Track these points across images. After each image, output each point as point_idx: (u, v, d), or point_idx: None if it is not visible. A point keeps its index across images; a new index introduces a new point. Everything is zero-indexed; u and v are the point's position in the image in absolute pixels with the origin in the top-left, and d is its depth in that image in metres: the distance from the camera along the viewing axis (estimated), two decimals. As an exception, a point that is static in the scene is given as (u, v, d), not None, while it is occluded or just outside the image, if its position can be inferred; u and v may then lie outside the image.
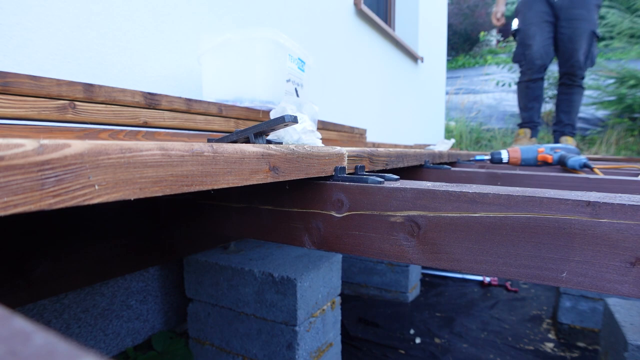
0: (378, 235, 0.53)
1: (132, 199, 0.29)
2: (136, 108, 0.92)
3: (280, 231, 0.64)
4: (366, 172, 0.68)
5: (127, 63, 1.25)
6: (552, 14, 2.61)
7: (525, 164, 1.41)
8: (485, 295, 2.09)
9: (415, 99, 4.38)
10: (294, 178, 0.50)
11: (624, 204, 0.39)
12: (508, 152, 1.42)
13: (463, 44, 13.90)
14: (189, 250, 1.15)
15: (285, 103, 0.94)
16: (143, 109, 0.94)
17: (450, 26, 11.23)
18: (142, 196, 0.29)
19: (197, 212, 0.78)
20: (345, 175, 0.60)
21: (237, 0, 1.71)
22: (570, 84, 2.65)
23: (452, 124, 8.48)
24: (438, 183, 0.55)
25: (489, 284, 2.23)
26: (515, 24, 2.89)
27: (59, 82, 0.77)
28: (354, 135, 2.12)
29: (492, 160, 1.43)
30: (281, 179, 0.47)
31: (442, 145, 2.39)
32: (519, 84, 2.87)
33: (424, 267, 2.32)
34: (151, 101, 0.95)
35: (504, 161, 1.42)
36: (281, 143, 0.70)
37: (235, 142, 0.61)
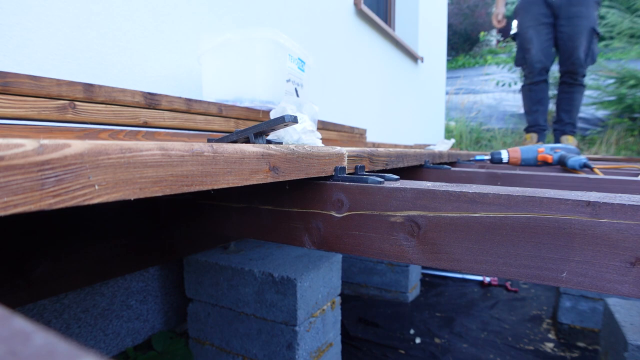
0: (378, 235, 0.53)
1: (132, 199, 0.29)
2: (136, 108, 0.92)
3: (280, 231, 0.64)
4: (366, 172, 0.68)
5: (127, 63, 1.25)
6: (550, 15, 2.60)
7: (525, 164, 1.41)
8: (485, 295, 2.09)
9: (415, 99, 4.38)
10: (294, 178, 0.50)
11: (624, 204, 0.39)
12: (508, 152, 1.42)
13: (463, 44, 13.90)
14: (189, 250, 1.15)
15: (285, 103, 0.94)
16: (143, 109, 0.94)
17: (450, 26, 11.23)
18: (142, 196, 0.29)
19: (197, 212, 0.78)
20: (345, 175, 0.60)
21: (237, 0, 1.71)
22: (571, 82, 2.63)
23: (452, 124, 8.48)
24: (438, 183, 0.55)
25: (489, 284, 2.23)
26: (514, 27, 2.88)
27: (59, 82, 0.77)
28: (354, 135, 2.12)
29: (492, 160, 1.43)
30: (281, 179, 0.47)
31: (442, 145, 2.39)
32: (522, 87, 2.87)
33: (424, 267, 2.32)
34: (151, 101, 0.95)
35: (504, 161, 1.42)
36: (281, 143, 0.70)
37: (235, 142, 0.61)
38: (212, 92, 1.28)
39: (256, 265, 1.08)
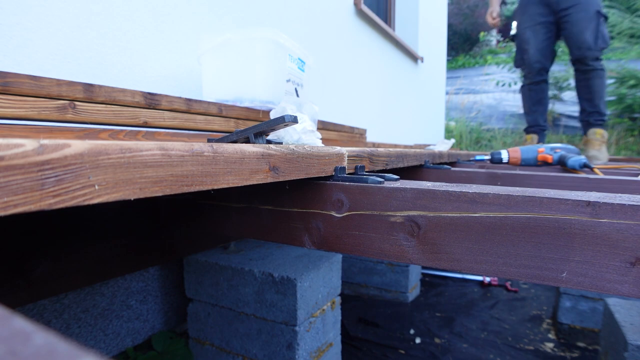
0: (378, 235, 0.53)
1: (132, 199, 0.29)
2: (136, 108, 0.92)
3: (280, 231, 0.64)
4: (366, 172, 0.68)
5: (127, 63, 1.25)
6: (548, 13, 2.55)
7: (525, 164, 1.41)
8: (485, 295, 2.09)
9: (415, 99, 4.38)
10: (294, 178, 0.50)
11: (624, 204, 0.39)
12: (508, 152, 1.42)
13: (463, 44, 13.90)
14: (189, 250, 1.15)
15: (285, 103, 0.94)
16: (143, 109, 0.94)
17: (450, 26, 11.24)
18: (142, 196, 0.29)
19: (197, 212, 0.78)
20: (345, 175, 0.60)
21: (237, 0, 1.71)
22: (584, 69, 2.49)
23: (452, 124, 8.48)
24: (438, 183, 0.55)
25: (489, 284, 2.23)
26: (513, 28, 2.86)
27: (59, 82, 0.77)
28: (354, 135, 2.12)
29: (492, 160, 1.43)
30: (281, 179, 0.47)
31: (442, 145, 2.39)
32: (522, 87, 2.82)
33: (424, 267, 2.32)
34: (151, 101, 0.95)
35: (504, 161, 1.42)
36: (281, 143, 0.70)
37: (235, 142, 0.61)
38: (212, 92, 1.28)
39: (256, 265, 1.08)
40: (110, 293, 1.03)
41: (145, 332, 1.14)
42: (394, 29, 4.15)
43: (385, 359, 1.47)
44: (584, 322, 1.64)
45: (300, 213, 0.61)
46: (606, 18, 2.43)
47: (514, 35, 2.82)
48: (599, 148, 2.43)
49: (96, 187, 0.26)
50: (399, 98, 3.89)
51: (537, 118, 2.74)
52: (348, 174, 0.62)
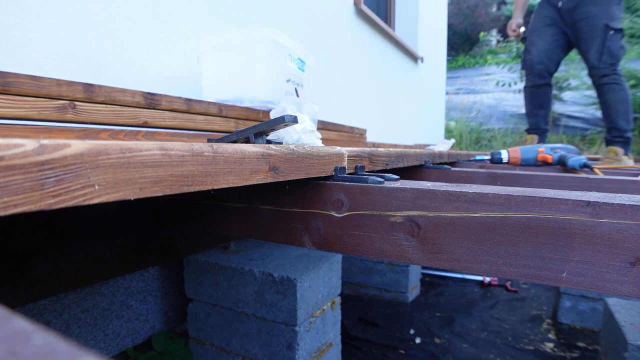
0: (378, 235, 0.53)
1: (132, 199, 0.29)
2: (136, 108, 0.92)
3: (280, 231, 0.64)
4: (366, 172, 0.68)
5: (127, 63, 1.25)
6: (559, 19, 2.51)
7: (525, 164, 1.41)
8: (485, 295, 2.09)
9: (415, 99, 4.38)
10: (294, 178, 0.50)
11: (624, 204, 0.39)
12: (508, 152, 1.42)
13: (463, 44, 13.90)
14: (189, 250, 1.15)
15: (285, 103, 0.94)
16: (143, 109, 0.94)
17: (450, 26, 11.24)
18: (142, 196, 0.29)
19: (197, 212, 0.78)
20: (345, 175, 0.60)
21: (237, 0, 1.71)
22: (598, 84, 2.44)
23: (452, 124, 8.48)
24: (438, 183, 0.55)
25: (489, 284, 2.23)
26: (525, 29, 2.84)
27: (59, 82, 0.77)
28: (354, 135, 2.12)
29: (492, 160, 1.43)
30: (281, 179, 0.47)
31: (442, 145, 2.39)
32: (524, 88, 2.77)
33: (424, 267, 2.32)
34: (151, 101, 0.95)
35: (504, 161, 1.42)
36: (281, 143, 0.70)
37: (235, 142, 0.61)
38: (212, 92, 1.28)
39: (256, 265, 1.08)
40: (110, 293, 1.03)
41: (145, 332, 1.14)
42: (394, 29, 4.15)
43: (385, 359, 1.47)
44: (584, 322, 1.64)
45: (300, 213, 0.61)
46: (618, 30, 2.32)
47: (523, 37, 2.79)
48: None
49: (96, 187, 0.26)
50: (399, 98, 3.89)
51: (538, 121, 2.71)
52: (348, 174, 0.62)
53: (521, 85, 9.77)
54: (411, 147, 2.84)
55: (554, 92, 9.04)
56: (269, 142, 0.63)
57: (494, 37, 14.54)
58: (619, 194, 0.45)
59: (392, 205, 0.52)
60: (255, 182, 0.43)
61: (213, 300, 1.12)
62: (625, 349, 1.02)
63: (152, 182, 0.30)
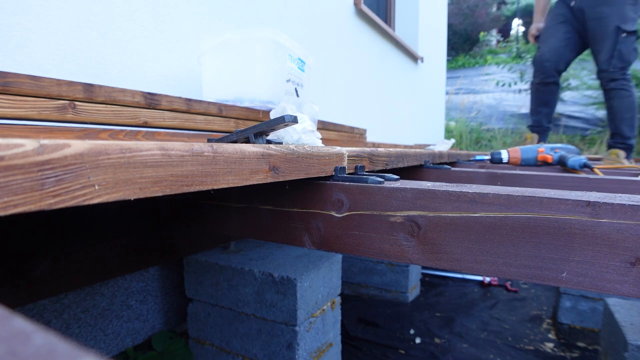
0: (378, 235, 0.53)
1: (132, 199, 0.29)
2: (136, 108, 0.92)
3: (280, 231, 0.64)
4: (366, 172, 0.68)
5: (127, 63, 1.25)
6: (572, 18, 2.46)
7: (525, 164, 1.41)
8: (485, 295, 2.09)
9: (415, 99, 4.38)
10: (294, 178, 0.50)
11: (624, 204, 0.39)
12: (508, 152, 1.42)
13: (463, 44, 13.91)
14: (189, 250, 1.15)
15: (285, 103, 0.94)
16: (143, 109, 0.94)
17: (450, 26, 11.24)
18: (142, 196, 0.29)
19: (197, 212, 0.78)
20: (345, 175, 0.60)
21: (237, 0, 1.71)
22: (606, 89, 2.39)
23: (452, 124, 8.49)
24: (438, 183, 0.55)
25: (489, 284, 2.23)
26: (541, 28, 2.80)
27: (59, 82, 0.77)
28: (354, 135, 2.12)
29: (492, 160, 1.43)
30: (281, 179, 0.47)
31: (442, 145, 2.39)
32: (531, 84, 2.73)
33: (424, 267, 2.32)
34: (151, 101, 0.95)
35: (504, 161, 1.42)
36: (281, 143, 0.70)
37: (235, 142, 0.61)
38: (212, 92, 1.28)
39: (256, 265, 1.08)
40: (110, 293, 1.03)
41: (145, 332, 1.14)
42: (394, 29, 4.15)
43: (385, 359, 1.47)
44: (584, 322, 1.64)
45: (300, 213, 0.61)
46: (631, 33, 2.24)
47: (537, 36, 2.76)
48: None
49: (96, 187, 0.26)
50: (399, 98, 3.89)
51: (540, 119, 2.66)
52: (348, 174, 0.62)
53: (521, 85, 9.78)
54: (411, 147, 2.84)
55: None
56: (269, 142, 0.63)
57: (494, 37, 14.55)
58: (619, 194, 0.45)
59: (392, 205, 0.52)
60: (255, 182, 0.43)
61: (213, 300, 1.12)
62: (625, 349, 1.02)
63: (152, 182, 0.30)
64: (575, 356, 1.52)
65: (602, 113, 7.09)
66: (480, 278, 2.27)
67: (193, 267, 1.15)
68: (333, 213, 0.57)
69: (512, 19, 14.71)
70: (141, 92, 0.93)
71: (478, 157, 1.49)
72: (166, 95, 0.99)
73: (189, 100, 1.06)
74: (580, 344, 1.61)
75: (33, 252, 0.75)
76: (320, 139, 0.91)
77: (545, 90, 2.62)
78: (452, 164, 1.47)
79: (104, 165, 0.26)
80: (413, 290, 2.02)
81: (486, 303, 1.97)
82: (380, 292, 2.01)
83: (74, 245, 0.82)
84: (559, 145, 1.41)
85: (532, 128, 2.73)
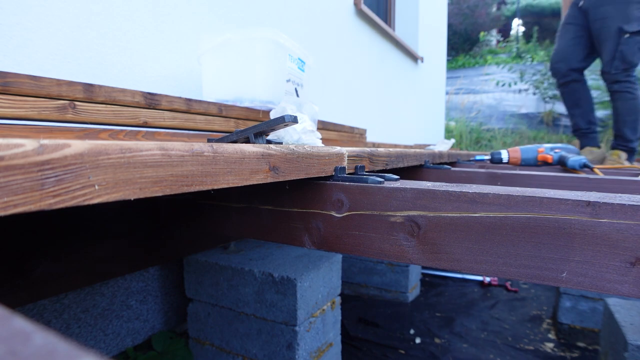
0: (378, 235, 0.53)
1: (132, 199, 0.29)
2: (136, 108, 0.92)
3: (280, 231, 0.64)
4: (366, 172, 0.68)
5: (127, 63, 1.25)
6: (580, 17, 2.42)
7: (525, 164, 1.41)
8: (485, 295, 2.09)
9: (415, 99, 4.38)
10: (294, 178, 0.50)
11: (624, 204, 0.39)
12: (508, 152, 1.42)
13: (463, 44, 13.91)
14: (189, 250, 1.15)
15: (285, 103, 0.94)
16: (143, 109, 0.94)
17: (450, 26, 11.25)
18: (142, 196, 0.29)
19: (197, 212, 0.78)
20: (345, 175, 0.60)
21: (237, 0, 1.71)
22: (610, 90, 2.34)
23: (452, 124, 8.49)
24: (438, 183, 0.55)
25: (489, 284, 2.23)
26: None
27: (59, 82, 0.77)
28: (354, 135, 2.12)
29: (492, 160, 1.43)
30: (281, 179, 0.47)
31: (442, 145, 2.39)
32: (558, 90, 2.67)
33: (424, 267, 2.32)
34: (151, 101, 0.95)
35: (504, 161, 1.42)
36: (281, 143, 0.70)
37: (235, 142, 0.61)
38: (212, 92, 1.28)
39: (256, 265, 1.08)
40: (110, 293, 1.03)
41: (145, 332, 1.14)
42: (394, 29, 4.15)
43: (385, 359, 1.47)
44: (584, 322, 1.64)
45: (300, 213, 0.61)
46: (634, 33, 2.19)
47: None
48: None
49: (96, 187, 0.26)
50: (399, 98, 3.89)
51: (577, 122, 2.55)
52: (348, 174, 0.62)
53: (521, 85, 9.78)
54: (411, 147, 2.84)
55: (554, 92, 9.03)
56: (269, 142, 0.63)
57: (494, 37, 14.55)
58: (619, 194, 0.45)
59: (392, 205, 0.52)
60: (255, 182, 0.43)
61: (213, 300, 1.12)
62: (625, 349, 1.02)
63: (152, 182, 0.30)
64: (575, 356, 1.52)
65: (602, 113, 7.09)
66: (480, 278, 2.27)
67: (193, 267, 1.15)
68: (333, 213, 0.57)
69: (512, 19, 14.72)
70: (141, 92, 0.93)
71: (478, 157, 1.49)
72: (166, 95, 0.99)
73: (189, 100, 1.06)
74: (580, 344, 1.61)
75: (33, 252, 0.75)
76: (320, 139, 0.91)
77: (567, 90, 2.54)
78: (452, 164, 1.47)
79: (104, 165, 0.26)
80: (413, 290, 2.02)
81: (486, 303, 1.97)
82: (380, 292, 2.01)
83: (74, 245, 0.82)
84: (559, 145, 1.41)
85: (574, 133, 2.61)
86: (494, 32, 14.70)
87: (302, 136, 0.86)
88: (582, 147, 2.51)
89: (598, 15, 2.30)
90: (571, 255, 0.41)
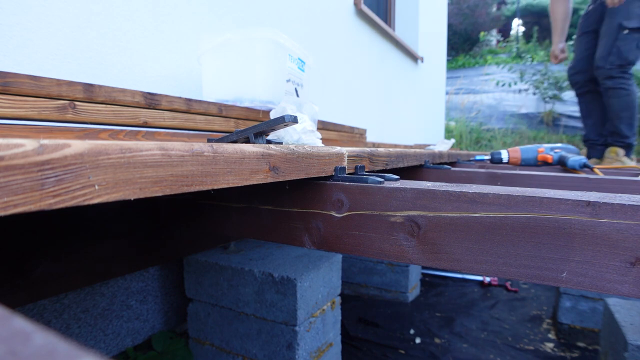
0: (378, 235, 0.53)
1: (132, 199, 0.29)
2: (136, 108, 0.92)
3: (280, 231, 0.64)
4: (366, 172, 0.68)
5: (127, 63, 1.25)
6: (590, 24, 2.42)
7: (525, 164, 1.41)
8: (485, 295, 2.09)
9: (415, 99, 4.38)
10: (294, 178, 0.50)
11: (624, 204, 0.39)
12: (508, 152, 1.42)
13: (463, 44, 13.91)
14: (189, 250, 1.15)
15: (285, 103, 0.94)
16: (143, 109, 0.94)
17: (450, 26, 11.25)
18: (142, 196, 0.29)
19: (197, 212, 0.78)
20: (345, 175, 0.60)
21: (237, 0, 1.71)
22: (604, 87, 2.31)
23: (452, 124, 8.49)
24: (438, 183, 0.55)
25: (489, 284, 2.23)
26: None
27: (59, 82, 0.77)
28: (354, 135, 2.12)
29: (492, 160, 1.43)
30: (281, 179, 0.47)
31: (442, 145, 2.39)
32: None
33: (424, 267, 2.32)
34: (151, 101, 0.95)
35: (504, 161, 1.42)
36: (281, 143, 0.70)
37: (235, 142, 0.61)
38: (212, 92, 1.28)
39: (256, 265, 1.08)
40: (110, 293, 1.03)
41: (145, 332, 1.14)
42: (394, 29, 4.15)
43: (385, 359, 1.47)
44: (584, 322, 1.64)
45: (300, 213, 0.61)
46: (634, 30, 2.17)
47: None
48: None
49: (96, 187, 0.26)
50: (399, 98, 3.89)
51: (588, 132, 2.55)
52: (348, 174, 0.62)
53: (521, 85, 9.78)
54: (411, 147, 2.84)
55: (554, 92, 9.02)
56: (269, 142, 0.63)
57: (494, 37, 14.56)
58: (619, 194, 0.45)
59: (392, 205, 0.52)
60: (255, 182, 0.43)
61: (213, 300, 1.12)
62: (625, 349, 1.02)
63: (152, 182, 0.30)
64: (575, 356, 1.52)
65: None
66: (480, 278, 2.27)
67: (193, 267, 1.15)
68: (333, 213, 0.57)
69: (512, 19, 14.73)
70: (141, 92, 0.93)
71: (478, 157, 1.49)
72: (166, 95, 0.99)
73: (189, 100, 1.06)
74: (580, 344, 1.61)
75: (33, 252, 0.75)
76: (320, 139, 0.91)
77: (582, 101, 2.54)
78: (452, 164, 1.47)
79: (104, 165, 0.26)
80: (413, 290, 2.02)
81: (486, 303, 1.97)
82: (380, 292, 2.01)
83: (74, 245, 0.82)
84: (559, 145, 1.41)
85: (584, 143, 2.61)
86: (494, 32, 14.71)
87: (302, 136, 0.86)
88: (589, 157, 2.50)
89: (605, 14, 2.28)
90: (571, 255, 0.41)
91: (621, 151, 2.27)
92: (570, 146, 1.41)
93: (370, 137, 2.87)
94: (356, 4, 2.81)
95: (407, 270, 1.93)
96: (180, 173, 0.33)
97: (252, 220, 0.67)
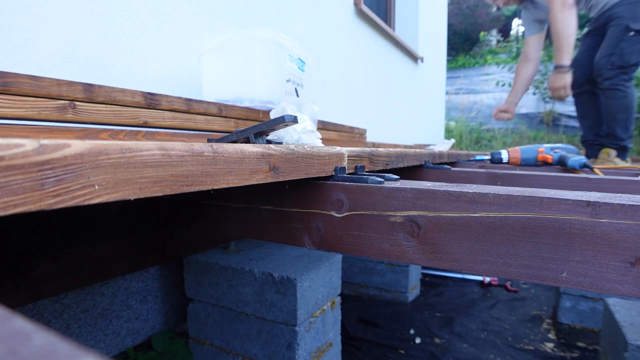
0: (378, 235, 0.53)
1: (132, 199, 0.29)
2: (136, 108, 0.92)
3: (280, 231, 0.64)
4: (366, 172, 0.68)
5: (127, 63, 1.25)
6: (594, 28, 2.40)
7: (525, 164, 1.41)
8: (485, 295, 2.09)
9: (415, 99, 4.38)
10: (294, 178, 0.50)
11: (624, 204, 0.39)
12: (508, 152, 1.42)
13: (463, 44, 13.91)
14: (189, 250, 1.15)
15: (285, 103, 0.94)
16: (143, 109, 0.94)
17: (450, 26, 11.25)
18: (142, 196, 0.29)
19: (197, 212, 0.78)
20: (345, 175, 0.60)
21: (237, 0, 1.71)
22: (600, 87, 2.29)
23: (452, 124, 8.49)
24: (438, 183, 0.55)
25: (489, 284, 2.23)
26: None
27: (59, 82, 0.77)
28: (354, 135, 2.12)
29: (492, 160, 1.43)
30: (281, 179, 0.47)
31: (442, 145, 2.39)
32: None
33: (424, 267, 2.32)
34: (151, 101, 0.95)
35: (504, 161, 1.42)
36: (281, 143, 0.70)
37: (235, 142, 0.61)
38: (212, 92, 1.28)
39: (256, 265, 1.08)
40: (110, 293, 1.03)
41: (145, 332, 1.14)
42: (394, 29, 4.15)
43: (385, 359, 1.47)
44: (584, 322, 1.64)
45: (300, 213, 0.61)
46: (638, 32, 2.14)
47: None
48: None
49: (96, 187, 0.26)
50: (399, 98, 3.89)
51: (584, 133, 2.53)
52: (348, 174, 0.62)
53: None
54: (411, 147, 2.84)
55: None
56: (269, 142, 0.63)
57: (494, 37, 14.56)
58: (619, 194, 0.45)
59: (392, 205, 0.52)
60: (255, 182, 0.43)
61: (213, 300, 1.12)
62: (625, 349, 1.02)
63: (152, 182, 0.30)
64: (575, 356, 1.52)
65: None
66: (480, 278, 2.27)
67: (193, 267, 1.15)
68: (333, 213, 0.57)
69: (512, 19, 14.72)
70: (141, 92, 0.93)
71: (478, 157, 1.49)
72: (166, 95, 0.99)
73: (189, 100, 1.06)
74: (580, 344, 1.61)
75: (33, 252, 0.75)
76: (320, 139, 0.91)
77: (579, 101, 2.52)
78: (452, 164, 1.47)
79: (104, 165, 0.26)
80: (413, 290, 2.02)
81: (486, 303, 1.97)
82: (380, 292, 2.01)
83: (74, 245, 0.82)
84: (559, 145, 1.41)
85: (582, 143, 2.59)
86: (494, 32, 14.71)
87: (302, 136, 0.86)
88: (587, 157, 2.48)
89: (611, 18, 2.25)
90: (571, 255, 0.41)
91: (613, 152, 2.25)
92: (570, 146, 1.41)
93: (370, 137, 2.87)
94: (356, 4, 2.81)
95: (407, 270, 1.93)
96: (180, 173, 0.33)
97: (252, 220, 0.67)
